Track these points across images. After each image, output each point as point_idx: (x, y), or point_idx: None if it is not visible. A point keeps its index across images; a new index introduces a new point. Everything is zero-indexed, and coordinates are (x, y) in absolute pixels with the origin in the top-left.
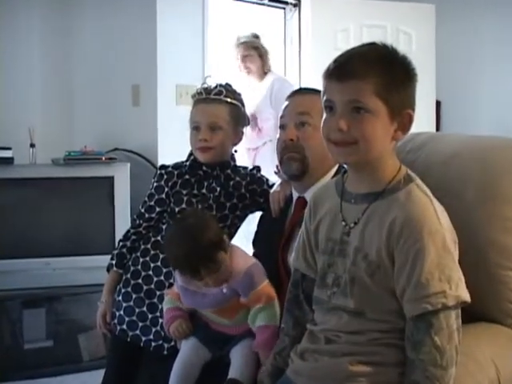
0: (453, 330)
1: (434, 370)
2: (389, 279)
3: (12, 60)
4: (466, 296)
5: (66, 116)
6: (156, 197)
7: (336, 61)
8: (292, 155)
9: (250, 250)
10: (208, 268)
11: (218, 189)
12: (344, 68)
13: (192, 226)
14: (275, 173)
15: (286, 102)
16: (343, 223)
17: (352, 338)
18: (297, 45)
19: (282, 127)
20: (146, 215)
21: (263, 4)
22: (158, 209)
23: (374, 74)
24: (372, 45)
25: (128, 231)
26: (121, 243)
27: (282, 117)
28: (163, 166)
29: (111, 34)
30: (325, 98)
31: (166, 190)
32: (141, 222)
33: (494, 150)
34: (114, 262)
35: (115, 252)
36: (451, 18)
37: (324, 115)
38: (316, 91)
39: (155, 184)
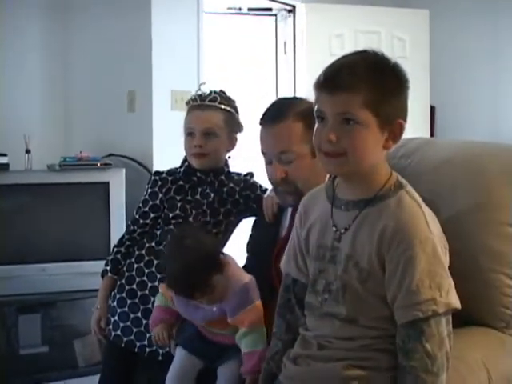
0: (443, 336)
1: (425, 377)
2: (380, 286)
3: (8, 67)
4: (456, 303)
5: (61, 122)
6: (150, 203)
7: (325, 72)
8: (285, 189)
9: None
10: (202, 292)
11: (212, 195)
12: (333, 80)
13: (187, 249)
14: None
15: (261, 129)
16: (334, 229)
17: (344, 344)
18: (291, 51)
19: (267, 162)
20: (141, 221)
21: (257, 14)
22: (152, 215)
23: (363, 85)
24: (362, 53)
25: (122, 237)
26: (115, 249)
27: (263, 151)
28: (157, 173)
29: (107, 40)
30: (316, 107)
31: (160, 196)
32: (135, 227)
33: (487, 156)
34: (108, 268)
35: (110, 258)
36: (445, 24)
37: (316, 125)
38: (287, 107)
39: (149, 190)
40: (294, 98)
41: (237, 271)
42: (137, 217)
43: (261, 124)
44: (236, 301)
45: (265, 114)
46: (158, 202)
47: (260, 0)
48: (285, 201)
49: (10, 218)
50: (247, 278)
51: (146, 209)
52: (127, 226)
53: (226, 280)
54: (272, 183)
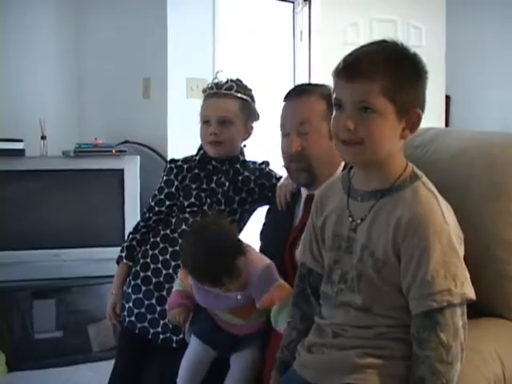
0: (458, 327)
1: (439, 366)
2: (395, 276)
3: (24, 53)
4: (471, 293)
5: (76, 108)
6: (166, 190)
7: (345, 60)
8: (299, 166)
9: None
10: (230, 276)
11: (227, 183)
12: (352, 68)
13: (211, 235)
14: (283, 166)
15: (284, 106)
16: (350, 219)
17: (359, 332)
18: (306, 39)
19: (284, 135)
20: (156, 208)
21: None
22: (167, 202)
23: (381, 74)
24: (381, 43)
25: (138, 224)
26: (130, 236)
27: (282, 125)
28: (173, 160)
29: (122, 27)
30: (334, 95)
31: (176, 183)
32: (150, 215)
33: (502, 147)
34: (123, 255)
35: (125, 244)
36: (462, 12)
37: (334, 112)
38: (313, 89)
39: (165, 178)
40: (320, 84)
41: (256, 255)
42: (152, 204)
43: (284, 100)
44: (261, 283)
45: (289, 91)
46: (173, 189)
47: None
48: (297, 178)
49: (24, 204)
50: (267, 260)
51: (162, 196)
52: (143, 213)
53: (248, 264)
54: (285, 159)
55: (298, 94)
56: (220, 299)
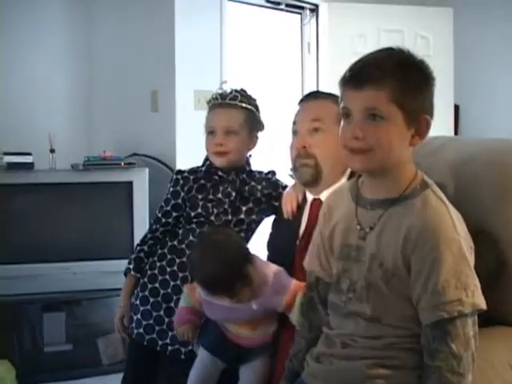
0: (469, 337)
1: (451, 377)
2: (405, 286)
3: (33, 67)
4: (482, 303)
5: (85, 121)
6: (172, 202)
7: (352, 68)
8: (304, 162)
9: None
10: (243, 282)
11: (234, 193)
12: (359, 76)
13: (219, 242)
14: (290, 176)
15: (299, 107)
16: (358, 228)
17: (369, 343)
18: (314, 49)
19: (295, 133)
20: (163, 220)
21: (280, 9)
22: (174, 214)
23: (389, 80)
24: (388, 50)
25: (145, 236)
26: (138, 247)
27: (294, 123)
28: (179, 171)
29: (130, 40)
30: (342, 105)
31: (182, 194)
32: (158, 226)
33: (510, 154)
34: (131, 267)
35: (133, 256)
36: (469, 22)
37: (342, 122)
38: (329, 95)
39: (171, 189)
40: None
41: (263, 264)
42: (159, 215)
43: (299, 103)
44: (277, 288)
45: (305, 95)
46: (179, 200)
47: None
48: (302, 175)
49: (33, 217)
50: (275, 266)
51: (168, 208)
52: (150, 225)
53: (258, 273)
54: (292, 154)
55: (314, 96)
56: (232, 311)
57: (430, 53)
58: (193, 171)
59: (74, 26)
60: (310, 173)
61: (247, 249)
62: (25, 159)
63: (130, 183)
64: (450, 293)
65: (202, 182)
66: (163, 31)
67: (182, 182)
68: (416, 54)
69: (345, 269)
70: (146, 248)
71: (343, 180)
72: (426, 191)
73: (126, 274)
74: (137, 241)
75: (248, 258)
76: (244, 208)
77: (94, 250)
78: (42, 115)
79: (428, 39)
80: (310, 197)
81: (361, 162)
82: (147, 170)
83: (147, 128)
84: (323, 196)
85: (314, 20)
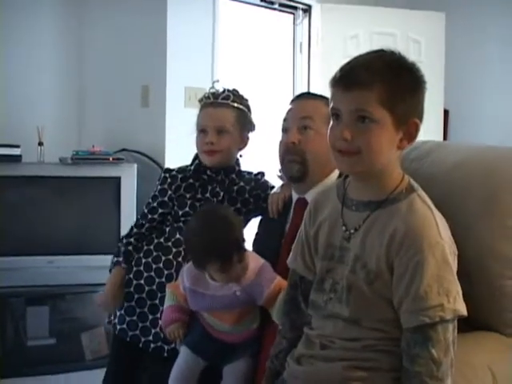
0: (449, 342)
1: (430, 382)
2: (387, 289)
3: (22, 59)
4: (463, 310)
5: (74, 115)
6: (159, 199)
7: (342, 69)
8: (293, 158)
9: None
10: (239, 253)
11: (222, 193)
12: (349, 77)
13: (223, 213)
14: (278, 176)
15: (290, 106)
16: (343, 228)
17: (347, 344)
18: (306, 51)
19: (285, 130)
20: (149, 216)
21: (273, 8)
22: (160, 210)
23: (378, 82)
24: (379, 52)
25: (131, 229)
26: (124, 240)
27: (284, 120)
28: (167, 170)
29: (122, 34)
30: (331, 105)
31: (170, 193)
32: (143, 222)
33: (499, 160)
34: (121, 259)
35: (122, 249)
36: (461, 27)
37: (331, 122)
38: (320, 97)
39: (159, 187)
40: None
41: (252, 254)
42: (145, 211)
43: (291, 102)
44: (262, 279)
45: (297, 95)
46: (166, 198)
47: None
48: (289, 170)
49: (20, 210)
50: (261, 259)
51: (155, 204)
52: (136, 220)
53: (248, 257)
54: (281, 150)
55: (306, 97)
56: (216, 299)
57: (422, 57)
58: (181, 170)
59: (65, 21)
60: (297, 168)
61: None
62: (12, 151)
63: (118, 178)
64: (432, 298)
65: (191, 181)
66: (155, 26)
67: (169, 180)
68: (407, 57)
69: (328, 269)
70: (132, 241)
71: (330, 179)
72: (412, 195)
73: (113, 267)
74: None
75: (243, 232)
76: (232, 208)
77: (80, 244)
78: (32, 108)
79: (420, 43)
80: (295, 196)
81: (348, 164)
82: (135, 165)
83: (137, 124)
84: (308, 195)
85: (306, 20)
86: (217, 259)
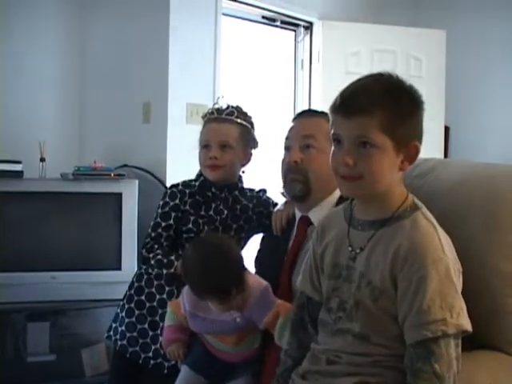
0: (452, 358)
1: None
2: (392, 305)
3: (24, 75)
4: (467, 325)
5: (76, 131)
6: (173, 214)
7: (342, 95)
8: (295, 177)
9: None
10: (238, 287)
11: (226, 211)
12: (349, 104)
13: (222, 245)
14: (281, 193)
15: (292, 124)
16: (349, 248)
17: (355, 359)
18: (307, 67)
19: (287, 149)
20: (165, 234)
21: (275, 25)
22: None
23: (379, 109)
24: (377, 76)
25: (152, 247)
26: (159, 251)
27: (286, 138)
28: (174, 186)
29: (124, 51)
30: (332, 131)
31: (182, 208)
32: (162, 240)
33: (500, 178)
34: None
35: (165, 260)
36: (462, 45)
37: (332, 148)
38: (322, 113)
39: (171, 203)
40: None
41: (252, 277)
42: (160, 231)
43: (293, 120)
44: (262, 304)
45: (299, 112)
46: (180, 213)
47: (280, 16)
48: (292, 189)
49: (21, 226)
50: (263, 282)
51: (171, 221)
52: (150, 245)
53: (248, 283)
54: (283, 169)
55: (308, 114)
56: (216, 323)
57: (423, 74)
58: (186, 185)
59: (68, 36)
60: (299, 187)
61: (242, 255)
62: (14, 167)
63: (120, 194)
64: (434, 312)
65: (196, 197)
66: (157, 43)
67: (179, 195)
68: (405, 79)
69: (334, 288)
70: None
71: (333, 196)
72: (416, 213)
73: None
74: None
75: (243, 264)
76: (234, 226)
77: (81, 260)
78: (33, 124)
79: (421, 60)
80: (298, 214)
81: (351, 189)
82: (137, 181)
83: (138, 139)
84: (311, 213)
85: (307, 37)
86: (215, 295)
